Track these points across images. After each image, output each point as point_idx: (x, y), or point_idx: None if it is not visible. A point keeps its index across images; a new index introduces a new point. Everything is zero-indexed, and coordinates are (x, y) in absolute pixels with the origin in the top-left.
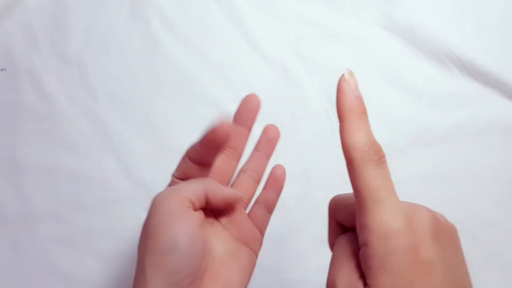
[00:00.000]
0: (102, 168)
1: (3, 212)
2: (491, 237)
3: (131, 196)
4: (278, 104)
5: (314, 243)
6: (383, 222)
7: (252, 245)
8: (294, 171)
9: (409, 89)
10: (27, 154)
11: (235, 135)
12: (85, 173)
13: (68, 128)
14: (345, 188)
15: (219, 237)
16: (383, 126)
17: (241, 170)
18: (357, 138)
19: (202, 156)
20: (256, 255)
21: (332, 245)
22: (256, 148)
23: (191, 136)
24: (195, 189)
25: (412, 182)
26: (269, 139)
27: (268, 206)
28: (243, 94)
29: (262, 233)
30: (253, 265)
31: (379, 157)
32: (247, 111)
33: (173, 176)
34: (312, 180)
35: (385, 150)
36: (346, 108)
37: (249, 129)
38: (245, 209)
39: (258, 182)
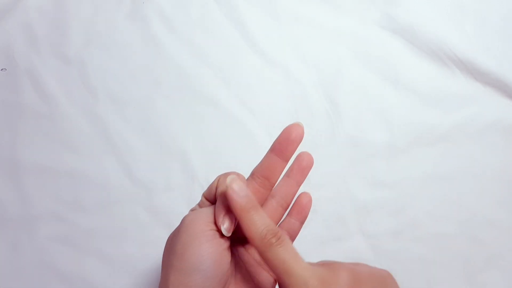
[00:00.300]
0: (102, 168)
1: (3, 212)
2: (491, 237)
3: (131, 196)
4: (278, 104)
5: (314, 243)
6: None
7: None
8: None
9: (409, 89)
10: (27, 154)
11: (270, 165)
12: (85, 173)
13: (68, 128)
14: (345, 188)
15: (242, 260)
16: (383, 126)
17: (270, 195)
18: (254, 230)
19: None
20: (276, 280)
21: None
22: (287, 175)
23: (191, 136)
24: None
25: (412, 182)
26: (302, 167)
27: (290, 233)
28: (243, 94)
29: None
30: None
31: (277, 238)
32: (287, 141)
33: (204, 195)
34: (312, 180)
35: (385, 150)
36: (238, 209)
37: (286, 160)
38: None
39: (285, 209)
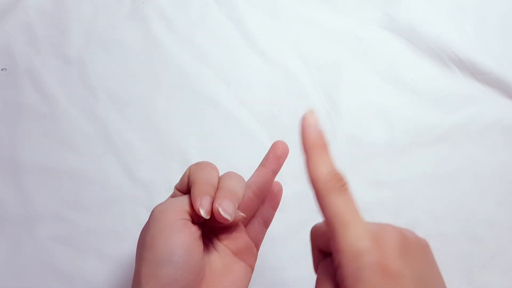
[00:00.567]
0: (103, 168)
1: (3, 212)
2: (491, 237)
3: (131, 196)
4: (278, 104)
5: None
6: (351, 244)
7: (248, 260)
8: (294, 171)
9: (409, 88)
10: (28, 154)
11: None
12: (85, 173)
13: (68, 128)
14: None
15: (216, 250)
16: (383, 126)
17: (246, 186)
18: (320, 170)
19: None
20: (252, 269)
21: (316, 270)
22: (262, 164)
23: (191, 136)
24: None
25: (413, 182)
26: (277, 155)
27: (265, 220)
28: (243, 94)
29: (257, 247)
30: (248, 279)
31: (341, 185)
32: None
33: (176, 187)
34: None
35: (386, 150)
36: (309, 143)
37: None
38: (246, 225)
39: (261, 198)
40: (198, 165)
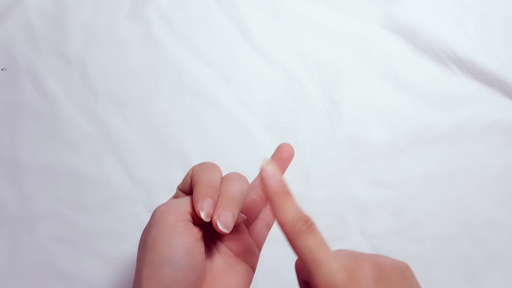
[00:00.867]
0: (103, 167)
1: (3, 212)
2: (492, 237)
3: (131, 196)
4: (278, 104)
5: None
6: (326, 279)
7: (250, 261)
8: (294, 170)
9: (409, 88)
10: (28, 153)
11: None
12: (85, 173)
13: (69, 127)
14: (345, 188)
15: (218, 251)
16: (383, 126)
17: (250, 188)
18: (286, 216)
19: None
20: (254, 270)
21: None
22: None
23: (191, 136)
24: None
25: (413, 182)
26: (282, 158)
27: (268, 222)
28: (243, 94)
29: (259, 248)
30: (250, 280)
31: (308, 226)
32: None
33: (178, 188)
34: (312, 180)
35: (386, 150)
36: (271, 193)
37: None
38: (249, 226)
39: (265, 201)
40: (201, 165)
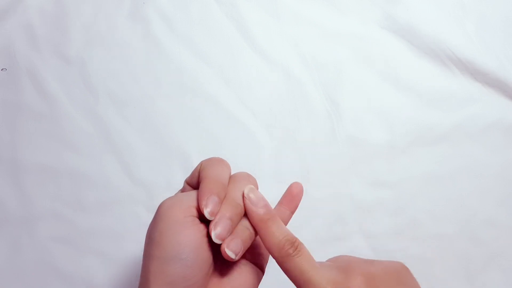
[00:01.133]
0: (103, 167)
1: (3, 212)
2: (492, 237)
3: (132, 196)
4: (278, 104)
5: (314, 242)
6: None
7: (258, 262)
8: (294, 170)
9: (409, 88)
10: (28, 153)
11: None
12: (85, 173)
13: (69, 127)
14: (345, 188)
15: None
16: (383, 126)
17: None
18: (272, 240)
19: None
20: (263, 272)
21: None
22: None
23: (191, 136)
24: None
25: (413, 182)
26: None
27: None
28: (243, 94)
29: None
30: (259, 279)
31: (294, 248)
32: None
33: (186, 181)
34: (312, 180)
35: (386, 149)
36: (256, 221)
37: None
38: None
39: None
40: (210, 160)
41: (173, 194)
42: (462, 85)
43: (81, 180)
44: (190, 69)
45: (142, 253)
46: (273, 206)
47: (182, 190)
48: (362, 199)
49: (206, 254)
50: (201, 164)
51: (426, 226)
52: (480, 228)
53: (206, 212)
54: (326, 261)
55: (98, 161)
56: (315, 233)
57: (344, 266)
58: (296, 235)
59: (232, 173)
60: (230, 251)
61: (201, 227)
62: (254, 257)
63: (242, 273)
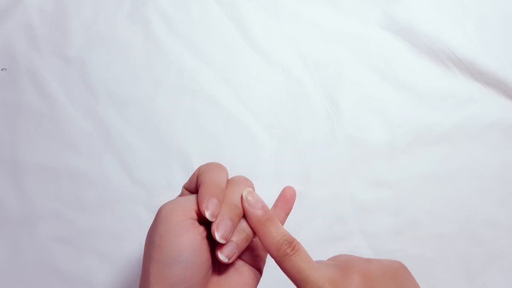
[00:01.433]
0: (103, 167)
1: (3, 212)
2: (492, 237)
3: (132, 196)
4: (278, 104)
5: (314, 242)
6: None
7: (256, 264)
8: (294, 170)
9: (409, 88)
10: (28, 153)
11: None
12: (85, 173)
13: (69, 127)
14: (345, 188)
15: None
16: (383, 126)
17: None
18: (271, 241)
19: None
20: (261, 273)
21: None
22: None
23: (191, 136)
24: None
25: (413, 182)
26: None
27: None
28: (243, 94)
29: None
30: (257, 280)
31: (292, 248)
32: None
33: (184, 187)
34: (312, 180)
35: (386, 150)
36: (254, 222)
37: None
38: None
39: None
40: (208, 166)
41: (173, 194)
42: (462, 85)
43: (81, 180)
44: (190, 69)
45: (142, 253)
46: (270, 206)
47: (181, 195)
48: (362, 199)
49: (205, 256)
50: (199, 169)
51: (426, 226)
52: (480, 228)
53: (208, 214)
54: (326, 260)
55: (98, 161)
56: (315, 233)
57: (342, 264)
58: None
59: (230, 177)
60: (223, 255)
61: (200, 229)
62: (252, 259)
63: (240, 274)
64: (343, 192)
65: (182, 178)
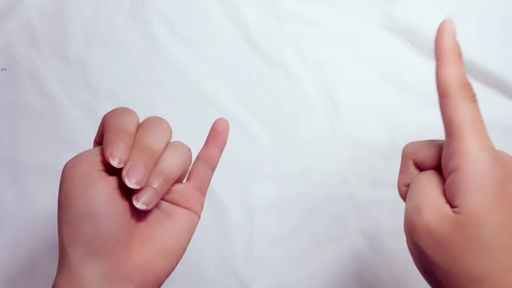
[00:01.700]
0: None
1: (3, 212)
2: None
3: None
4: (278, 104)
5: (314, 242)
6: (476, 150)
7: (192, 206)
8: (294, 170)
9: (409, 88)
10: (28, 153)
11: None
12: None
13: (69, 127)
14: (345, 188)
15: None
16: (383, 126)
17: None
18: (454, 75)
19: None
20: (198, 216)
21: (403, 186)
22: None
23: (191, 135)
24: None
25: None
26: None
27: (210, 162)
28: (243, 94)
29: (203, 192)
30: (194, 224)
31: (473, 95)
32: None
33: (94, 141)
34: (312, 180)
35: (386, 150)
36: (445, 48)
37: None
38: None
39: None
40: (112, 111)
41: None
42: None
43: None
44: (190, 69)
45: None
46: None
47: None
48: (362, 199)
49: (119, 207)
50: (104, 117)
51: None
52: None
53: (114, 162)
54: None
55: None
56: (315, 233)
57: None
58: (296, 235)
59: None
60: (140, 202)
61: (110, 180)
62: (185, 200)
63: (173, 219)
64: (343, 192)
65: None
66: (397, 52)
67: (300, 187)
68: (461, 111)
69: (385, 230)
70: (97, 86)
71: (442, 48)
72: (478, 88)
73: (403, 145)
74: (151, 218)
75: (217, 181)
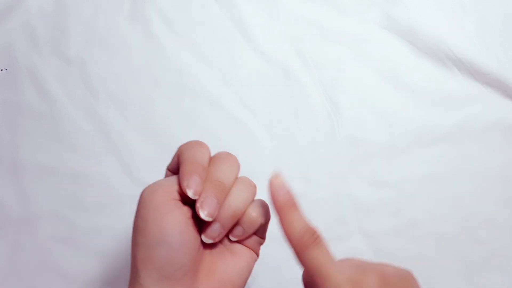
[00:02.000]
0: (103, 167)
1: (3, 212)
2: (491, 237)
3: (132, 196)
4: (278, 104)
5: None
6: (339, 282)
7: (251, 245)
8: (294, 170)
9: (409, 89)
10: (28, 153)
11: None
12: (85, 173)
13: (69, 127)
14: (345, 188)
15: None
16: (383, 126)
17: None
18: (293, 229)
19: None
20: (257, 255)
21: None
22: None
23: (191, 136)
24: None
25: (413, 182)
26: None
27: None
28: (243, 94)
29: (262, 236)
30: (253, 261)
31: (314, 239)
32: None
33: (167, 169)
34: (312, 180)
35: (385, 150)
36: (279, 205)
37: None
38: None
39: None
40: (188, 144)
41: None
42: (462, 85)
43: (81, 180)
44: (190, 69)
45: None
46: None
47: (165, 177)
48: (362, 199)
49: (191, 237)
50: (179, 148)
51: (426, 226)
52: (480, 228)
53: (190, 193)
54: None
55: (98, 161)
56: None
57: (358, 264)
58: None
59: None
60: (206, 237)
61: (185, 209)
62: (247, 240)
63: (236, 256)
64: (343, 192)
65: None
66: (397, 52)
67: (300, 187)
68: (309, 260)
69: (385, 230)
70: (97, 86)
71: (276, 206)
72: (478, 88)
73: (404, 145)
74: (216, 250)
75: None
